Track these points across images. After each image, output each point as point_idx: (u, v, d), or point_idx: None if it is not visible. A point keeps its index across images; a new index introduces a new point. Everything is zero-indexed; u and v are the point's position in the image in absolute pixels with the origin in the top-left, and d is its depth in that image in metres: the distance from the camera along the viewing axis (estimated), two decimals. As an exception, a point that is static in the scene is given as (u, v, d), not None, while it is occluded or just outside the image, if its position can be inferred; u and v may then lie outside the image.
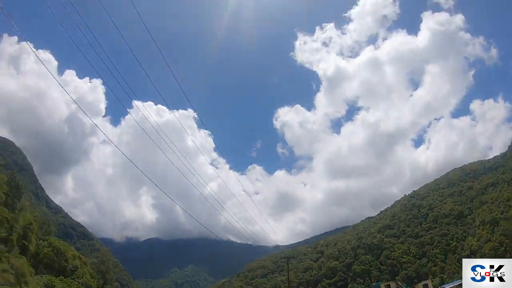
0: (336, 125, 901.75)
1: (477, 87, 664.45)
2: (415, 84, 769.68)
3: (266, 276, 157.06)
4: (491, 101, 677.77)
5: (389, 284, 71.26)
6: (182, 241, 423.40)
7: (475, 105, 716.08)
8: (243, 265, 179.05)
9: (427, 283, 70.94)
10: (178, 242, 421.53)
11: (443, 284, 72.18)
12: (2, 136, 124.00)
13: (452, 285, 68.11)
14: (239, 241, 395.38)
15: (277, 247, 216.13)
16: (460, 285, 71.63)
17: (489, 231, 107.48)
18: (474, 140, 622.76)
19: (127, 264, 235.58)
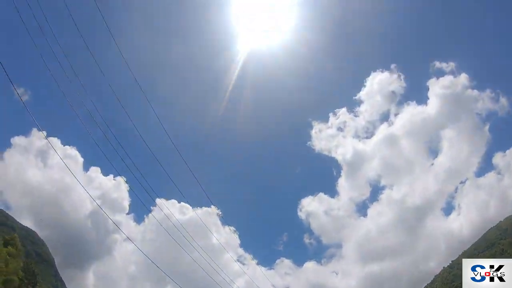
0: (362, 208, 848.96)
1: (496, 139, 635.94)
2: (434, 152, 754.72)
3: None
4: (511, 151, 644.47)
5: None
6: None
7: (498, 158, 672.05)
8: None
9: None
10: None
11: None
12: (26, 226, 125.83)
13: None
14: None
15: None
16: None
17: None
18: (504, 194, 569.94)
19: None
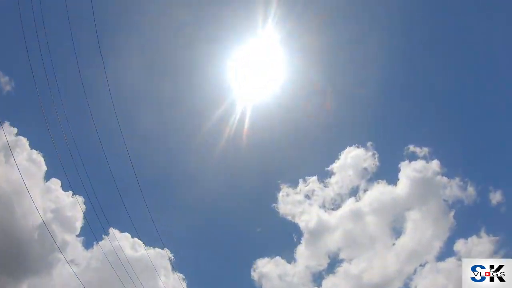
0: (318, 278, 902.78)
1: (459, 226, 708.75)
2: (397, 232, 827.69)
3: None
4: (474, 238, 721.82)
5: None
6: None
7: (459, 244, 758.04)
8: None
9: None
10: None
11: None
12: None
13: None
14: None
15: None
16: None
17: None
18: (461, 280, 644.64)
19: None
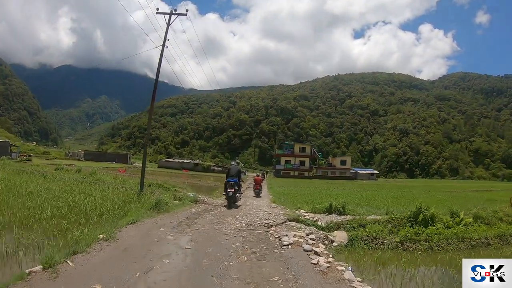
0: None
1: (436, 14, 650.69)
2: None
3: (175, 115, 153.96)
4: (441, 32, 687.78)
5: (305, 147, 70.60)
6: (98, 71, 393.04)
7: (425, 28, 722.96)
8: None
9: (345, 160, 71.60)
10: (93, 72, 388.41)
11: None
12: None
13: (364, 171, 72.50)
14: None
15: (192, 90, 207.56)
16: (372, 174, 76.08)
17: (397, 138, 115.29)
18: (409, 58, 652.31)
19: (37, 92, 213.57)
